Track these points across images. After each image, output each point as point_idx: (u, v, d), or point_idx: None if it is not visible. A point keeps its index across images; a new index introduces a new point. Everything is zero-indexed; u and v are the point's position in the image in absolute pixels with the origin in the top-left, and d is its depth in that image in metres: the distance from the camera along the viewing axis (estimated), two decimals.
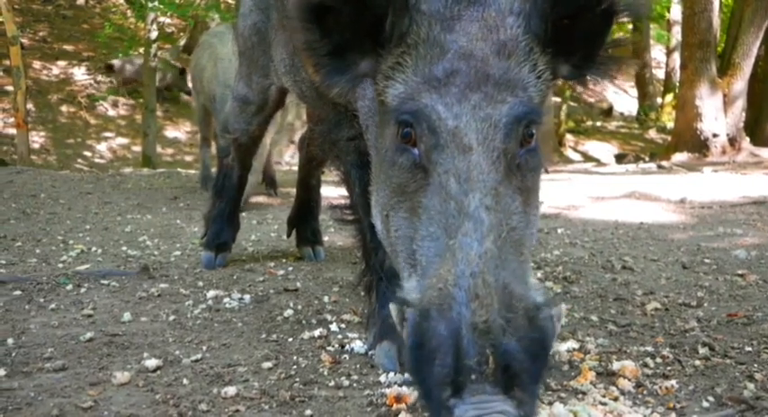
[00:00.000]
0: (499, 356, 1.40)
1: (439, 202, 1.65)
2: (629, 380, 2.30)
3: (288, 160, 12.22)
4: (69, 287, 3.60)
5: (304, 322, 3.05)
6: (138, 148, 16.18)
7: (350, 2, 1.78)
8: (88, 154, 16.41)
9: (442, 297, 1.50)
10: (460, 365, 1.39)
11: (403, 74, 1.80)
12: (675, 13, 20.44)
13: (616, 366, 2.40)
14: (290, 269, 4.12)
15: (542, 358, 1.49)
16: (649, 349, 2.64)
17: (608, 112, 23.77)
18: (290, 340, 2.79)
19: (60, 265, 4.20)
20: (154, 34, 14.29)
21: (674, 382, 2.28)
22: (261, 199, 7.55)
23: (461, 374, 1.39)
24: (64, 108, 17.67)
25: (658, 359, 2.52)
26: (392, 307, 1.66)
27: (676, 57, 19.41)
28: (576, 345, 2.66)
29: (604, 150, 20.40)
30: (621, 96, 25.24)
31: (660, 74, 24.69)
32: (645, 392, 2.24)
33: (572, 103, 22.30)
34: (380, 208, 1.93)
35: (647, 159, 14.83)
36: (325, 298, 3.41)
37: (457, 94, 1.71)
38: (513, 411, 1.35)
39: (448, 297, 1.49)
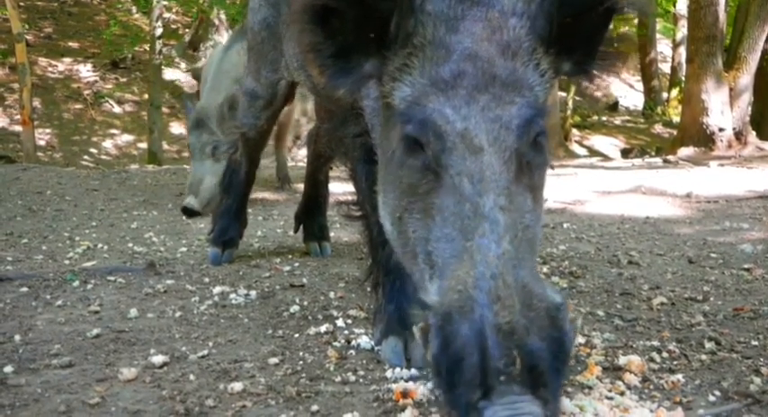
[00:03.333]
0: (525, 356, 1.39)
1: (453, 204, 1.64)
2: (636, 375, 2.30)
3: (293, 156, 12.22)
4: (76, 283, 3.61)
5: (310, 318, 3.05)
6: (143, 145, 16.21)
7: (354, 3, 1.77)
8: (94, 151, 16.45)
9: (463, 300, 1.49)
10: (487, 367, 1.39)
11: (410, 75, 1.79)
12: (682, 6, 20.38)
13: (622, 360, 2.39)
14: (296, 265, 4.12)
15: (563, 357, 1.49)
16: (655, 343, 2.64)
17: (614, 107, 23.73)
18: (297, 335, 2.79)
19: (67, 262, 4.21)
20: (159, 30, 14.29)
21: (680, 376, 2.28)
22: (267, 194, 7.55)
23: (489, 376, 1.38)
24: (69, 105, 17.70)
25: (664, 354, 2.52)
26: (415, 329, 1.64)
27: (682, 51, 19.37)
28: (582, 340, 2.66)
29: (610, 145, 20.37)
30: (627, 90, 25.19)
31: (666, 68, 24.65)
32: (651, 386, 2.24)
33: (577, 98, 22.25)
34: (390, 210, 1.92)
35: (652, 153, 14.82)
36: (332, 294, 3.41)
37: (465, 96, 1.70)
38: (540, 411, 1.36)
39: (469, 299, 1.48)
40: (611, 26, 1.96)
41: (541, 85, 1.79)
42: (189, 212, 6.15)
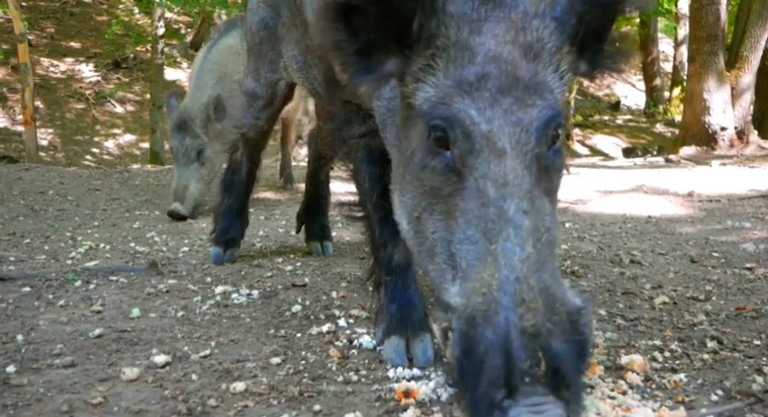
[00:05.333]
0: (550, 359, 1.42)
1: (477, 206, 1.65)
2: (638, 374, 2.30)
3: (294, 155, 12.20)
4: (78, 283, 3.61)
5: (312, 317, 3.05)
6: (145, 145, 16.20)
7: (377, 2, 1.77)
8: (96, 150, 16.44)
9: (488, 303, 1.50)
10: (512, 368, 1.41)
11: (433, 77, 1.78)
12: (683, 5, 20.35)
13: (624, 360, 2.40)
14: (298, 264, 4.13)
15: (584, 359, 1.51)
16: (658, 342, 2.64)
17: (615, 106, 23.70)
18: (299, 335, 2.80)
19: (69, 261, 4.22)
20: (161, 30, 14.29)
21: (682, 376, 2.28)
22: (269, 194, 7.56)
23: (514, 377, 1.40)
24: (71, 105, 17.70)
25: (667, 353, 2.52)
26: (435, 327, 1.66)
27: (684, 50, 19.33)
28: None
29: (612, 144, 20.34)
30: (629, 90, 25.16)
31: (668, 67, 24.63)
32: (653, 386, 2.24)
33: (579, 97, 22.22)
34: (408, 209, 1.93)
35: (654, 153, 14.79)
36: (334, 294, 3.41)
37: (489, 99, 1.70)
38: (563, 412, 1.38)
39: (494, 302, 1.49)
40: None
41: (561, 87, 1.80)
42: (176, 216, 6.06)
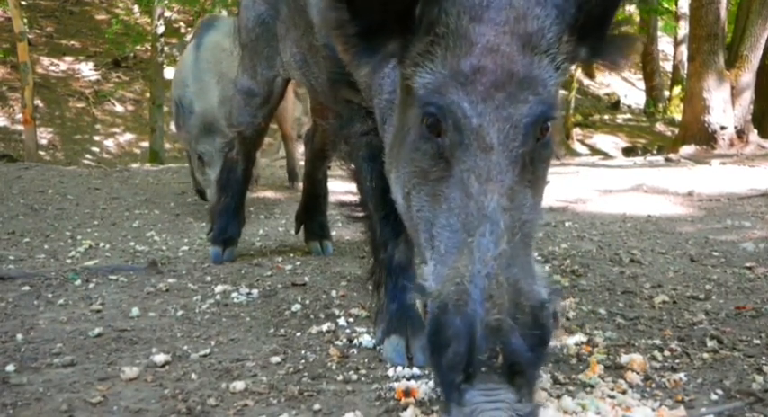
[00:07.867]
0: (508, 353, 1.48)
1: (459, 197, 1.68)
2: (638, 373, 2.30)
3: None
4: (78, 282, 3.61)
5: (312, 316, 3.05)
6: (145, 144, 16.20)
7: None
8: (95, 149, 16.44)
9: (459, 293, 1.56)
10: (473, 357, 1.48)
11: (431, 63, 1.78)
12: (683, 4, 20.34)
13: (624, 359, 2.40)
14: (298, 263, 4.12)
15: (543, 349, 1.58)
16: (657, 342, 2.64)
17: (615, 105, 23.68)
18: (298, 334, 2.80)
19: (69, 261, 4.21)
20: (160, 29, 14.30)
21: (682, 375, 2.28)
22: (269, 193, 7.55)
23: (473, 365, 1.48)
24: (71, 104, 17.69)
25: (666, 352, 2.52)
26: (417, 301, 1.75)
27: (684, 49, 19.31)
28: (584, 338, 2.67)
29: (612, 143, 20.34)
30: (629, 89, 25.16)
31: (668, 66, 24.61)
32: (653, 385, 2.24)
33: (579, 96, 22.21)
34: (402, 184, 1.96)
35: (654, 152, 14.79)
36: (333, 293, 3.42)
37: (482, 93, 1.70)
38: (514, 397, 1.47)
39: (464, 293, 1.55)
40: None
41: (556, 79, 1.78)
42: None
